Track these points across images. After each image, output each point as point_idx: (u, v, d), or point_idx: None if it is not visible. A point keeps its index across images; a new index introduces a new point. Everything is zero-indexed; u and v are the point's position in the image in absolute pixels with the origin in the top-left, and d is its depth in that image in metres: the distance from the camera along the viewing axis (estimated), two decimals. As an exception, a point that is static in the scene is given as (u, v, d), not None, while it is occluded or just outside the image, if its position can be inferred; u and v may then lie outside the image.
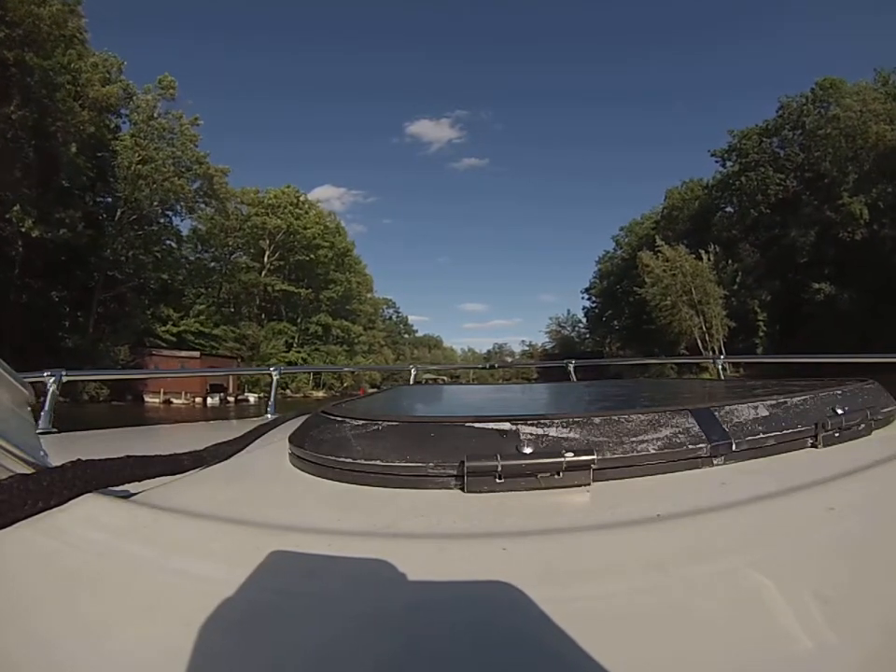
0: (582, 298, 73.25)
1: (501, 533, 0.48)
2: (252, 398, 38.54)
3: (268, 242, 48.43)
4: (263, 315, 48.81)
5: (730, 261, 44.81)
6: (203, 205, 40.67)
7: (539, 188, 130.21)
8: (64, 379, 1.84)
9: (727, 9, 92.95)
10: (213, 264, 47.37)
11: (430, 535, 0.49)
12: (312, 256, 49.38)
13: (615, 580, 0.41)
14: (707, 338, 43.13)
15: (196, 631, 0.38)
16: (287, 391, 42.90)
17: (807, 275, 40.06)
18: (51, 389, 1.77)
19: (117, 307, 35.27)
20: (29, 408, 0.66)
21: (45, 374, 1.79)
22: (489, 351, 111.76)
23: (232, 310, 47.47)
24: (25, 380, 0.64)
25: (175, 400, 34.30)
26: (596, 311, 70.15)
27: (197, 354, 37.82)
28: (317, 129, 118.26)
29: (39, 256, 27.91)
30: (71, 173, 29.35)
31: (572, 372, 3.41)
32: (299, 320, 50.45)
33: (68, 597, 0.44)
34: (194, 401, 35.07)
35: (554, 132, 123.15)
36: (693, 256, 43.90)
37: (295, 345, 49.27)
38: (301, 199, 50.72)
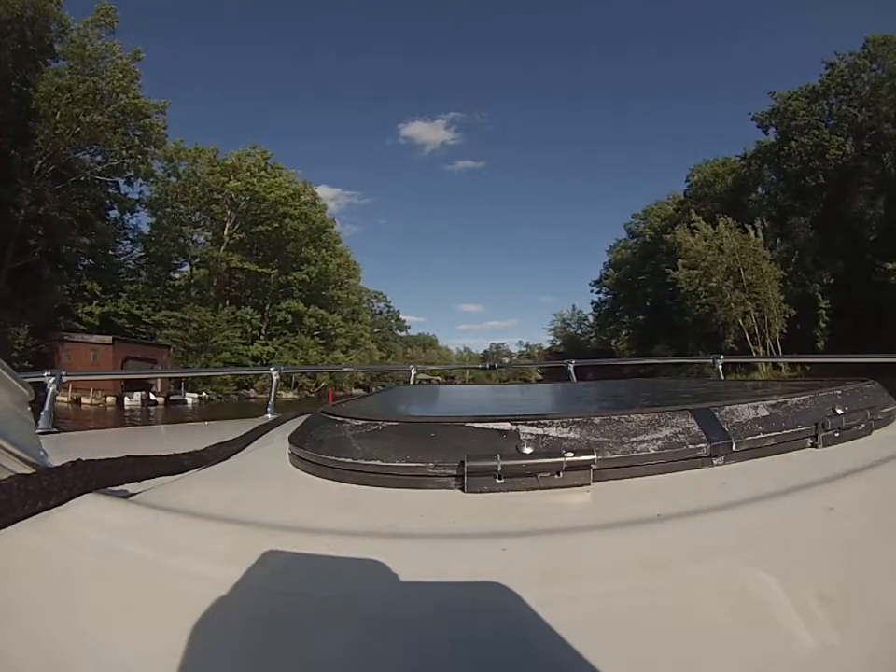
0: (591, 291, 67.45)
1: (501, 533, 0.47)
2: (191, 399, 30.96)
3: (228, 211, 40.55)
4: (227, 301, 41.00)
5: (778, 240, 37.93)
6: (136, 154, 33.16)
7: (534, 189, 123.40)
8: (64, 379, 1.94)
9: (719, 8, 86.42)
10: (157, 234, 39.36)
11: (430, 535, 0.48)
12: (277, 225, 41.20)
13: (615, 580, 0.41)
14: (758, 329, 36.15)
15: (196, 631, 0.38)
16: (251, 391, 35.88)
17: (876, 254, 33.37)
18: (51, 389, 1.86)
19: (30, 281, 27.70)
20: (29, 408, 0.66)
21: (45, 374, 1.88)
22: (486, 351, 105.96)
23: (185, 293, 39.70)
24: (25, 380, 0.63)
25: (84, 400, 26.64)
26: (607, 306, 64.15)
27: (109, 339, 29.71)
28: (312, 129, 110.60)
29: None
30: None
31: (572, 372, 3.55)
32: (266, 307, 42.76)
33: (68, 597, 0.44)
34: (105, 401, 27.23)
35: (548, 132, 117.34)
36: (740, 230, 36.97)
37: (262, 337, 41.72)
38: (272, 163, 42.83)
